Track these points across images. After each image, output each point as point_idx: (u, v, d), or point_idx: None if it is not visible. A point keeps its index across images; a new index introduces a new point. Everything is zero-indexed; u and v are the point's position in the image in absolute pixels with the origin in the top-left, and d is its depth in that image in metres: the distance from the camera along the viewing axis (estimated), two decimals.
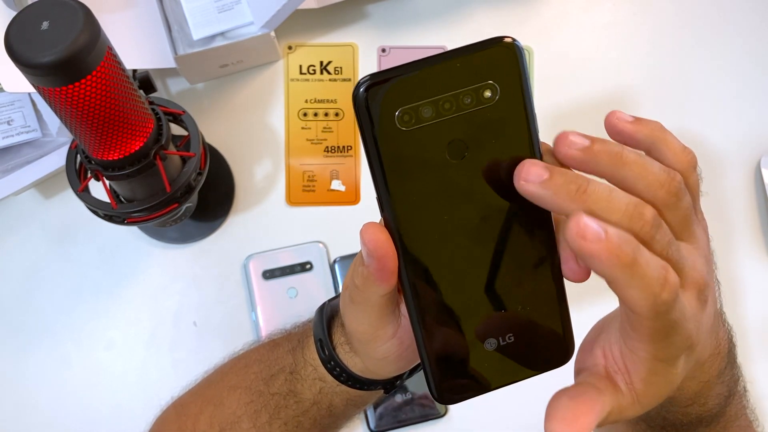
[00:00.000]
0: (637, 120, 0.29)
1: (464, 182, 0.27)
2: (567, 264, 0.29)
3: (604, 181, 0.28)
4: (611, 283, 0.25)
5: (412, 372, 0.41)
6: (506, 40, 0.26)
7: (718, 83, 0.71)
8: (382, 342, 0.34)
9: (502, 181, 0.27)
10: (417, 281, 0.28)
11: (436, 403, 0.63)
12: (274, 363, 0.43)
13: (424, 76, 0.26)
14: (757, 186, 0.68)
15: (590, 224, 0.24)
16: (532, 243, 0.28)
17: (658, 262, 0.25)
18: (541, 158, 0.28)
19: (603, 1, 0.73)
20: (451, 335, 0.29)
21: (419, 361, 0.36)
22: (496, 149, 0.27)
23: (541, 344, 0.30)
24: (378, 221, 0.29)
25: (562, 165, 0.28)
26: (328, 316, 0.40)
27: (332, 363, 0.39)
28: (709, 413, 0.36)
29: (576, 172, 0.27)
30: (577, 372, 0.31)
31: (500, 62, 0.26)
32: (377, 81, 0.26)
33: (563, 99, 0.69)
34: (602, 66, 0.71)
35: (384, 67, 0.69)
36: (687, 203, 0.28)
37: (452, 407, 0.64)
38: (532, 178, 0.26)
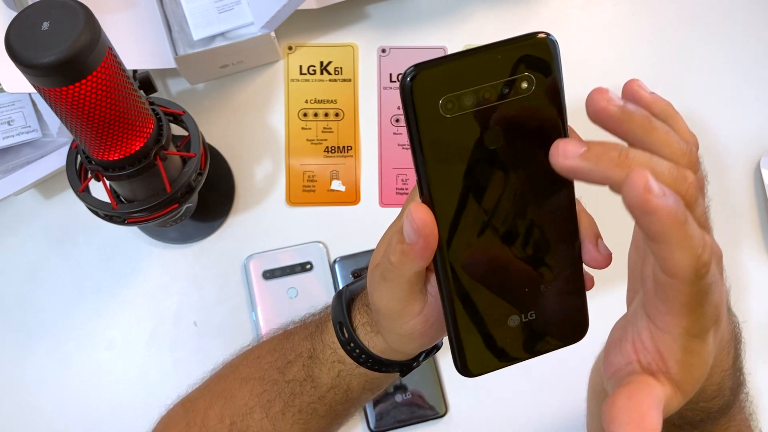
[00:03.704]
0: (655, 94, 0.30)
1: (498, 168, 0.28)
2: (589, 253, 0.30)
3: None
4: (660, 243, 0.25)
5: (428, 354, 0.43)
6: (541, 35, 0.28)
7: (718, 83, 0.71)
8: (409, 318, 0.35)
9: (534, 169, 0.29)
10: (449, 260, 0.30)
11: (436, 403, 0.63)
12: (290, 350, 0.44)
13: (466, 67, 0.27)
14: (756, 186, 0.68)
15: (653, 181, 0.24)
16: (556, 229, 0.30)
17: (696, 225, 0.26)
18: None
19: (603, 1, 0.73)
20: (477, 312, 0.30)
21: (441, 338, 0.38)
22: (530, 137, 0.28)
23: (560, 322, 0.31)
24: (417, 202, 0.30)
25: (593, 120, 0.28)
26: (348, 299, 0.41)
27: (352, 345, 0.40)
28: (724, 405, 0.36)
29: (613, 143, 0.27)
30: (610, 375, 0.30)
31: (536, 55, 0.28)
32: (423, 71, 0.27)
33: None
34: (602, 66, 0.71)
35: (384, 68, 0.69)
36: (701, 176, 0.29)
37: (452, 407, 0.64)
38: (571, 153, 0.27)
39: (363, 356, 0.40)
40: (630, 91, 0.30)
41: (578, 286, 0.31)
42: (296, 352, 0.43)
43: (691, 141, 0.30)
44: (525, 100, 0.28)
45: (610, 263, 0.30)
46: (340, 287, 0.64)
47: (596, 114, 0.27)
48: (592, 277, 0.33)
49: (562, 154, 0.27)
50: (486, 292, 0.30)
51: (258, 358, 0.46)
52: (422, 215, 0.29)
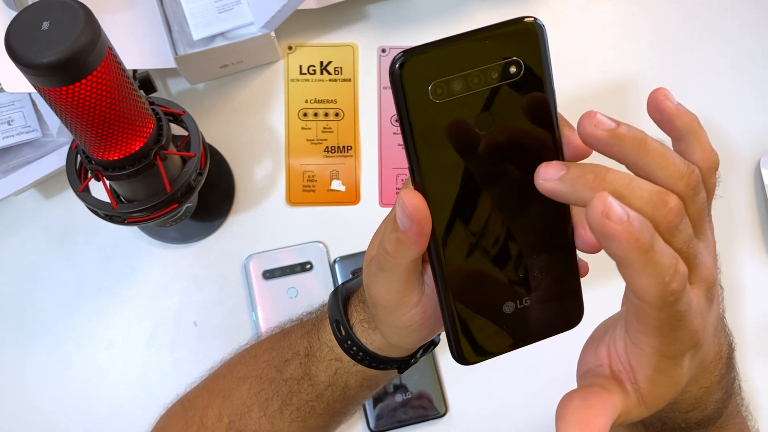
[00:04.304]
0: (681, 105, 0.29)
1: (490, 153, 0.28)
2: (581, 237, 0.30)
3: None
4: (624, 267, 0.25)
5: (425, 350, 0.42)
6: (528, 19, 0.28)
7: (718, 83, 0.71)
8: (408, 309, 0.35)
9: (524, 153, 0.29)
10: (442, 246, 0.30)
11: (436, 403, 0.63)
12: (287, 349, 0.44)
13: (455, 52, 0.27)
14: (756, 186, 0.68)
15: (614, 205, 0.24)
16: (548, 213, 0.30)
17: (670, 251, 0.26)
18: (559, 129, 0.29)
19: (603, 1, 0.73)
20: (472, 299, 0.30)
21: (439, 331, 0.38)
22: (520, 121, 0.28)
23: (554, 308, 0.31)
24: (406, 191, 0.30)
25: (585, 144, 0.28)
26: (344, 297, 0.41)
27: (349, 342, 0.40)
28: (708, 417, 0.36)
29: (593, 164, 0.27)
30: (582, 373, 0.31)
31: (524, 40, 0.28)
32: (412, 56, 0.27)
33: (562, 100, 0.69)
34: (602, 66, 0.71)
35: (384, 68, 0.69)
36: (703, 199, 0.28)
37: (452, 407, 0.64)
38: (549, 176, 0.27)
39: (360, 353, 0.40)
40: (655, 101, 0.29)
41: (572, 271, 0.31)
42: (293, 351, 0.43)
43: (707, 161, 0.29)
44: (514, 85, 0.28)
45: (600, 249, 0.30)
46: None
47: (585, 139, 0.27)
48: (587, 263, 0.33)
49: (542, 177, 0.27)
50: (480, 279, 0.30)
51: (255, 357, 0.46)
52: (414, 200, 0.28)
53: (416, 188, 0.29)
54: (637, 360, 0.28)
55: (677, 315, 0.26)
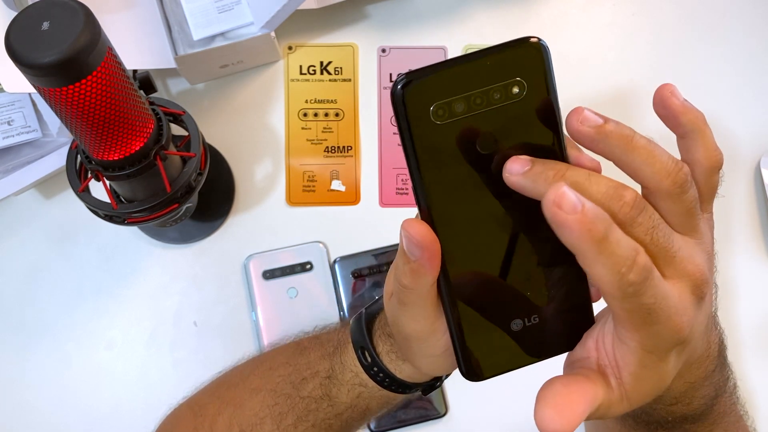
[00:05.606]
0: (687, 102, 0.29)
1: (494, 173, 0.28)
2: None
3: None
4: (579, 257, 0.26)
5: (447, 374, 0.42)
6: (532, 39, 0.28)
7: (718, 83, 0.71)
8: (441, 334, 0.34)
9: None
10: (450, 267, 0.29)
11: (436, 403, 0.63)
12: (306, 367, 0.43)
13: (457, 74, 0.27)
14: (756, 186, 0.68)
15: (568, 194, 0.24)
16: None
17: (629, 242, 0.25)
18: (565, 150, 0.29)
19: (603, 1, 0.73)
20: (479, 317, 0.30)
21: None
22: (524, 142, 0.28)
23: (563, 325, 0.31)
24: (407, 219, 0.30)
25: (573, 140, 0.28)
26: (367, 322, 0.41)
27: (375, 369, 0.40)
28: (694, 412, 0.36)
29: (557, 162, 0.28)
30: (568, 363, 0.31)
31: (527, 60, 0.28)
32: (414, 78, 0.27)
33: (562, 100, 0.69)
34: (601, 66, 0.71)
35: (384, 68, 0.69)
36: (692, 196, 0.28)
37: (452, 407, 0.64)
38: (515, 170, 0.27)
39: (387, 380, 0.40)
40: (661, 97, 0.29)
41: (581, 287, 0.31)
42: (312, 370, 0.43)
43: (710, 159, 0.29)
44: (517, 105, 0.28)
45: None
46: (340, 287, 0.65)
47: (573, 135, 0.28)
48: None
49: (508, 171, 0.27)
50: (488, 297, 0.30)
51: (270, 370, 0.45)
52: (417, 229, 0.28)
53: (419, 208, 0.29)
54: (622, 355, 0.28)
55: (645, 308, 0.26)
